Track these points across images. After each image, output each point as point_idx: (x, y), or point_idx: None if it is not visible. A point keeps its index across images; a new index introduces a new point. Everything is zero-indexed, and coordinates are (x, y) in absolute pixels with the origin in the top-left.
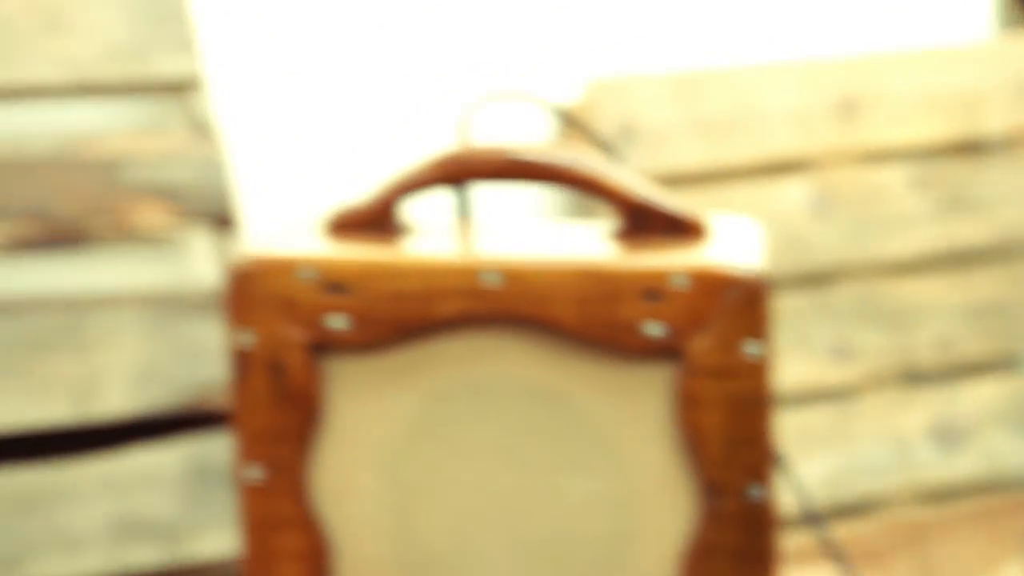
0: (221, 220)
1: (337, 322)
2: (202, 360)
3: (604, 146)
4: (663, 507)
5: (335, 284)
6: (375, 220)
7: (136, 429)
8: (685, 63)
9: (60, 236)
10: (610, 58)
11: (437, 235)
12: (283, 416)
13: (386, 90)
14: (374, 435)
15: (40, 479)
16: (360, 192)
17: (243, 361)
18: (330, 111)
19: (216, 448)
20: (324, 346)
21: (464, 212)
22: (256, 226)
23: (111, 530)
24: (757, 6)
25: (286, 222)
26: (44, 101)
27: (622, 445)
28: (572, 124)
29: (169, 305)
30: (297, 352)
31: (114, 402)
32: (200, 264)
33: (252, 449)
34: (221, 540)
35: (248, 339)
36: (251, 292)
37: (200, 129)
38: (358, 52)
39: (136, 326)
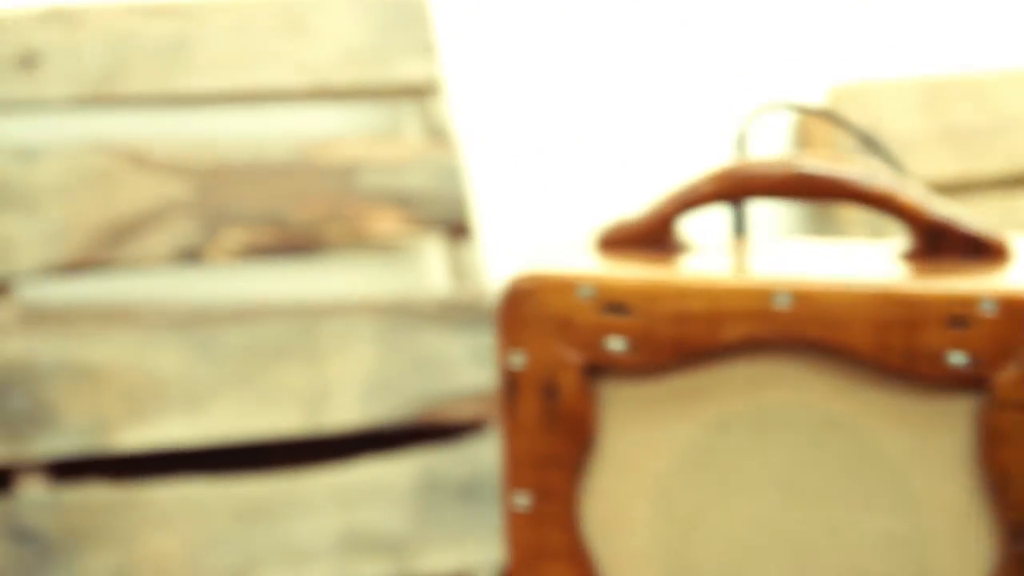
0: (456, 228)
1: (615, 344)
2: (433, 371)
3: (889, 159)
4: (961, 549)
5: (615, 304)
6: (652, 237)
7: (366, 441)
8: (933, 68)
9: (295, 243)
10: (854, 63)
11: (717, 254)
12: (554, 441)
13: (624, 100)
14: (649, 464)
15: (270, 489)
16: (629, 206)
17: (514, 382)
18: (570, 120)
19: (447, 461)
20: (600, 369)
21: (740, 229)
22: (490, 237)
23: (339, 543)
24: (1008, 10)
25: (553, 237)
26: (282, 105)
27: (917, 481)
28: (863, 139)
29: (401, 314)
30: (572, 374)
31: (344, 413)
32: (433, 273)
33: (521, 475)
34: (450, 556)
35: (520, 360)
36: (526, 311)
37: (437, 134)
38: (593, 60)
39: (368, 335)
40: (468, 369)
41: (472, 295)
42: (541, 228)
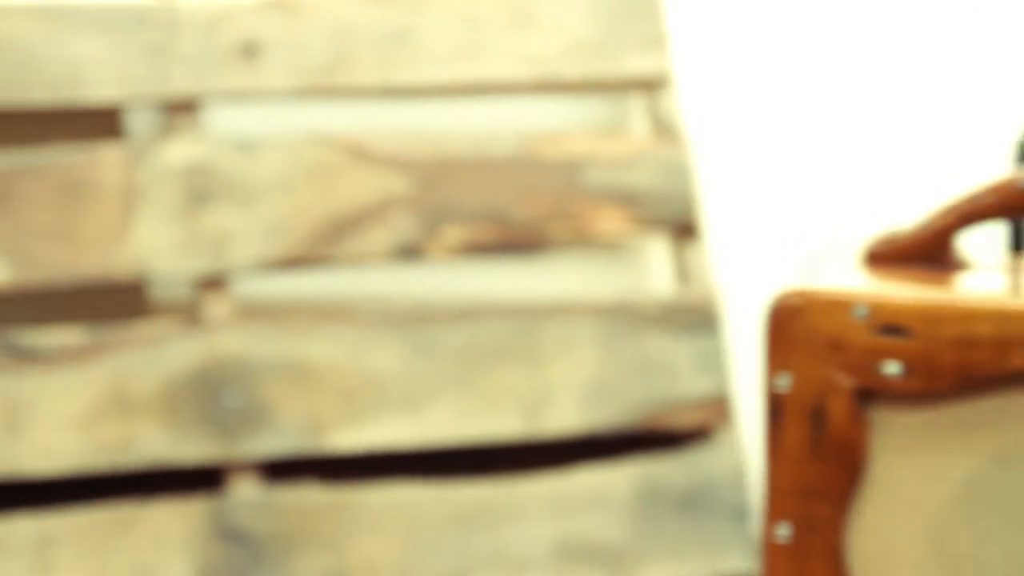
0: (683, 228)
1: (891, 368)
2: (656, 376)
3: None
4: None
5: (892, 326)
6: (927, 253)
7: (584, 446)
8: None
9: (516, 241)
10: None
11: (1000, 273)
12: (821, 469)
13: (859, 99)
14: (923, 497)
15: (485, 495)
16: (899, 219)
17: (779, 406)
18: (804, 119)
19: (668, 470)
20: (872, 393)
21: (1020, 246)
22: (719, 238)
23: (555, 551)
24: None
25: (801, 245)
26: (505, 99)
27: None
28: None
29: (624, 317)
30: (842, 399)
31: (564, 418)
32: (658, 274)
33: (782, 504)
34: (669, 568)
35: (785, 382)
36: (794, 330)
37: (665, 130)
38: (825, 55)
39: (590, 337)
40: (692, 375)
41: (698, 298)
42: (774, 232)
